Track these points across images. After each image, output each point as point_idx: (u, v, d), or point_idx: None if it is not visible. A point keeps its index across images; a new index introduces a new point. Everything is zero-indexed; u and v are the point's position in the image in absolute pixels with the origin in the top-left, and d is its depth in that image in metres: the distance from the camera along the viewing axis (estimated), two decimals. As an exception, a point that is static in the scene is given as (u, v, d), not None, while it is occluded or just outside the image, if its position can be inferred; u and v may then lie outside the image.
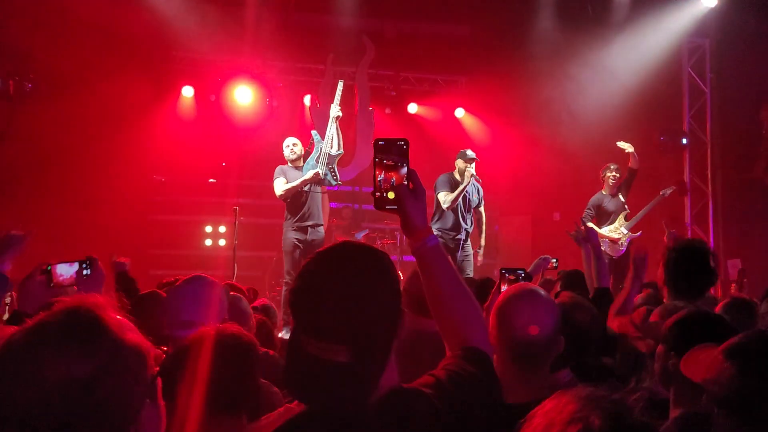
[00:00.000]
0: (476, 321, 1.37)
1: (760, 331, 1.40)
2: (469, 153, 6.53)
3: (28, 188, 8.01)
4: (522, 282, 2.24)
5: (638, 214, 6.97)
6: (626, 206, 7.04)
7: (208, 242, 9.48)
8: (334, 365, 1.10)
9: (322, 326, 1.12)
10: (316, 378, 1.12)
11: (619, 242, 6.89)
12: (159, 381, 1.06)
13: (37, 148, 7.96)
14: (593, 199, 7.06)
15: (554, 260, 4.28)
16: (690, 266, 2.79)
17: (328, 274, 1.16)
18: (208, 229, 9.53)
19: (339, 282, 1.14)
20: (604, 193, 7.07)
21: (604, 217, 7.00)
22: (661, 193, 7.10)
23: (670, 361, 1.81)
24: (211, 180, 9.23)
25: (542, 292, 1.89)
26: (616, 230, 6.95)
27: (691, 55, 8.89)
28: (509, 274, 2.31)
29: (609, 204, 7.02)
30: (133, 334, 1.02)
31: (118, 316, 1.03)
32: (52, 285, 2.30)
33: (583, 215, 6.90)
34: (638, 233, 6.93)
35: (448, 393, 1.20)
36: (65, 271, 2.32)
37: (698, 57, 8.86)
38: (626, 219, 6.96)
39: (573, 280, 4.17)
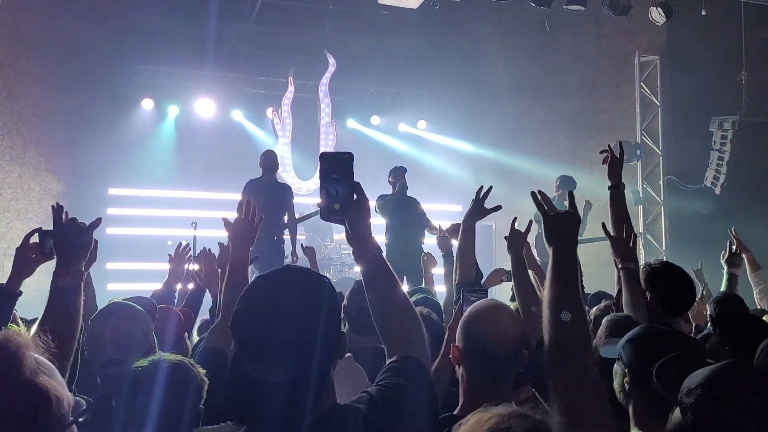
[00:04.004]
0: (413, 331, 1.43)
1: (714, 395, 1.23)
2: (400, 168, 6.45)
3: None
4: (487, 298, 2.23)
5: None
6: None
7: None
8: (273, 387, 1.13)
9: (260, 349, 1.14)
10: (256, 399, 1.15)
11: None
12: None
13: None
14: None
15: (509, 271, 4.28)
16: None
17: (267, 299, 1.18)
18: (169, 242, 9.38)
19: (277, 307, 1.16)
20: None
21: None
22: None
23: (625, 378, 1.76)
24: (172, 193, 9.09)
25: (507, 307, 1.91)
26: None
27: (643, 70, 9.21)
28: (470, 294, 2.30)
29: None
30: (47, 379, 1.01)
31: (39, 358, 1.02)
32: (46, 251, 2.17)
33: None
34: None
35: (381, 407, 1.25)
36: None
37: (650, 72, 9.19)
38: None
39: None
